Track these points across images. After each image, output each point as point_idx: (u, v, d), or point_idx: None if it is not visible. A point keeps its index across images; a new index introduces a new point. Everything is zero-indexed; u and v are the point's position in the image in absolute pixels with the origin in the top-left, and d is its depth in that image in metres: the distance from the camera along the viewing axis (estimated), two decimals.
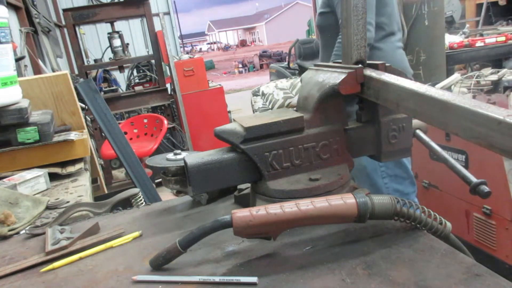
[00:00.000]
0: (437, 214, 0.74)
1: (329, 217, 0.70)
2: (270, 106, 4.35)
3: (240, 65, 21.96)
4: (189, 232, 0.72)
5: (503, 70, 2.45)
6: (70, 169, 1.64)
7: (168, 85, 5.70)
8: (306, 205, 0.69)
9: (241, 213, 0.69)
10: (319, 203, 0.69)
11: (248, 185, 0.95)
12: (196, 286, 0.67)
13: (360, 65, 0.82)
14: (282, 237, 0.79)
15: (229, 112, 5.97)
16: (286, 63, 7.43)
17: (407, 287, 0.60)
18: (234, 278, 0.67)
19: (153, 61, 5.65)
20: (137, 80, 6.10)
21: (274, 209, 0.69)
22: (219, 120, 5.26)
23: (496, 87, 2.41)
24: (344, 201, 0.70)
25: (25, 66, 3.41)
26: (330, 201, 0.70)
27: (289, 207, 0.69)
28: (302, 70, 6.40)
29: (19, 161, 1.61)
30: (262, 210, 0.69)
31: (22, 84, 1.72)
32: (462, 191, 2.35)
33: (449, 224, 0.73)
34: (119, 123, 2.76)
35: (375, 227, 0.78)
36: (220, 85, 5.78)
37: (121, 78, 6.98)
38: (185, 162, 0.83)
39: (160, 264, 0.73)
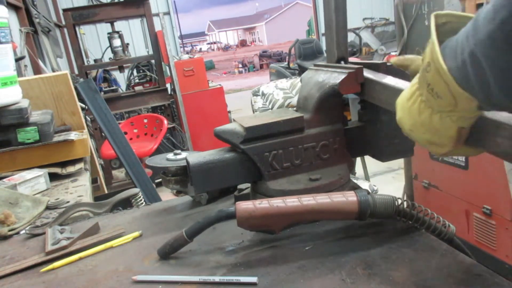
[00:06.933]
0: (437, 214, 0.74)
1: (330, 212, 0.70)
2: (270, 106, 4.35)
3: (240, 65, 21.93)
4: (195, 222, 0.74)
5: None
6: (70, 169, 1.63)
7: (168, 85, 5.70)
8: (308, 199, 0.71)
9: (245, 204, 0.71)
10: (321, 199, 0.71)
11: (248, 185, 0.95)
12: (196, 286, 0.67)
13: (360, 65, 0.82)
14: (282, 237, 0.79)
15: (229, 112, 5.97)
16: (286, 63, 7.42)
17: (407, 287, 0.60)
18: (234, 278, 0.67)
19: (153, 61, 5.64)
20: (137, 80, 6.10)
21: (277, 202, 0.71)
22: (219, 120, 5.26)
23: None
24: (346, 197, 0.71)
25: (25, 66, 3.41)
26: (332, 197, 0.71)
27: (292, 201, 0.71)
28: (302, 70, 6.40)
29: (19, 161, 1.61)
30: (265, 203, 0.71)
31: (22, 84, 1.72)
32: (462, 191, 2.35)
33: (452, 227, 0.73)
34: (119, 123, 2.76)
35: (375, 227, 0.78)
36: (220, 85, 5.78)
37: (121, 78, 6.97)
38: (187, 161, 0.84)
39: (167, 252, 0.75)
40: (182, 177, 0.94)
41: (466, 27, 0.45)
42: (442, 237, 0.72)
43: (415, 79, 0.57)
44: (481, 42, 0.42)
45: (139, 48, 8.51)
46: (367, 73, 0.80)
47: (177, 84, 5.24)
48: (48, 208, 1.22)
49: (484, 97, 0.46)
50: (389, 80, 0.73)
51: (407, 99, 0.58)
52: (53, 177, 1.57)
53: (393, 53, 7.39)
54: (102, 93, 5.32)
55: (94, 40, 8.81)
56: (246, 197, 0.95)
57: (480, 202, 2.22)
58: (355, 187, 0.89)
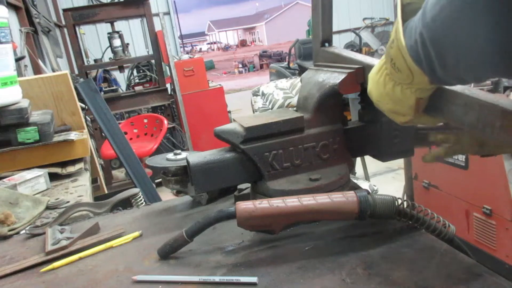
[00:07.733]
0: (437, 214, 0.74)
1: (330, 212, 0.70)
2: (270, 106, 4.34)
3: (240, 65, 21.91)
4: (195, 222, 0.74)
5: None
6: (70, 169, 1.63)
7: (168, 85, 5.70)
8: (308, 199, 0.71)
9: (245, 204, 0.71)
10: (321, 199, 0.71)
11: (248, 185, 0.95)
12: (196, 286, 0.67)
13: (359, 66, 0.82)
14: (282, 237, 0.79)
15: (229, 112, 5.96)
16: (286, 63, 7.42)
17: (407, 287, 0.60)
18: (234, 278, 0.67)
19: (153, 61, 5.63)
20: (137, 80, 6.09)
21: (277, 202, 0.71)
22: (219, 120, 5.25)
23: (496, 86, 2.40)
24: (346, 197, 0.71)
25: (25, 66, 3.41)
26: (332, 197, 0.71)
27: (292, 201, 0.71)
28: (302, 70, 6.39)
29: (19, 161, 1.61)
30: (265, 203, 0.71)
31: (22, 84, 1.72)
32: (462, 191, 2.35)
33: (452, 227, 0.73)
34: (119, 123, 2.75)
35: (375, 227, 0.78)
36: (220, 85, 5.77)
37: (121, 78, 6.97)
38: (187, 161, 0.84)
39: (167, 252, 0.75)
40: (182, 177, 0.94)
41: (421, 10, 0.50)
42: (442, 237, 0.72)
43: (384, 55, 0.62)
44: (427, 24, 0.48)
45: (139, 48, 8.51)
46: (368, 60, 0.81)
47: (177, 84, 5.24)
48: (48, 208, 1.22)
49: (430, 73, 0.52)
50: None
51: (375, 72, 0.64)
52: (53, 177, 1.57)
53: None
54: (102, 93, 5.31)
55: (94, 40, 8.81)
56: (246, 197, 0.95)
57: (480, 202, 2.22)
58: (355, 187, 0.89)
